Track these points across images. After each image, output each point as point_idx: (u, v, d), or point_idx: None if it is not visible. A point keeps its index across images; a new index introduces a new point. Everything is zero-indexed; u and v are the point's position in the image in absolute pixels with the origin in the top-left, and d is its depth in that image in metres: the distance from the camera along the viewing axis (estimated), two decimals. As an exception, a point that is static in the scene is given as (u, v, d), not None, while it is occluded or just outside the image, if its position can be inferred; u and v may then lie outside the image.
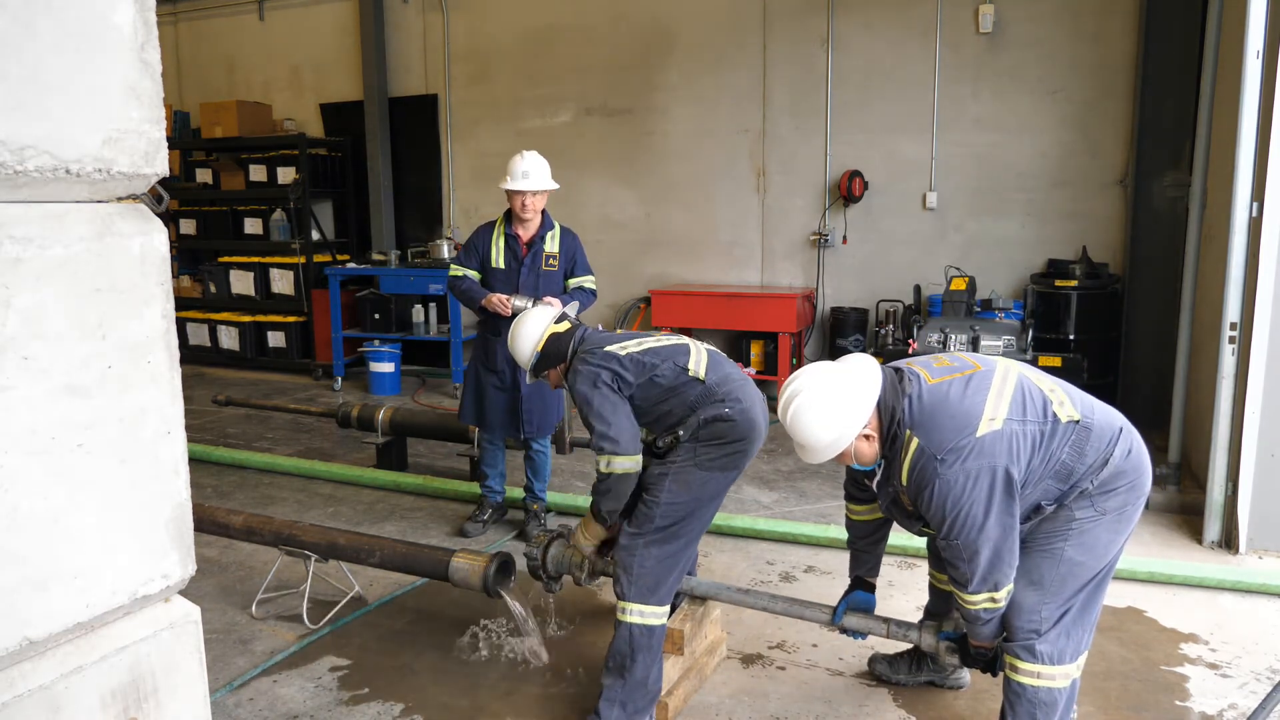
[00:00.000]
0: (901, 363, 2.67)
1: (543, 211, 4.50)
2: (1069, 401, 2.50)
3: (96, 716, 1.09)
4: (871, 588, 3.05)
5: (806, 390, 2.50)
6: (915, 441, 2.44)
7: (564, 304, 4.35)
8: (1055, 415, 2.45)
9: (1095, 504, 2.48)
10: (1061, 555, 2.49)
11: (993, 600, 2.50)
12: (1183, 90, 6.13)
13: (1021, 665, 2.54)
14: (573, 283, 4.56)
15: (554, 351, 3.33)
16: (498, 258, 4.47)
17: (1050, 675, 2.52)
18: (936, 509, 2.43)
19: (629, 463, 3.02)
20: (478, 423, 4.66)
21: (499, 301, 4.32)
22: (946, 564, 2.56)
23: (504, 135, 8.61)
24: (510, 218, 4.48)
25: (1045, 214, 6.88)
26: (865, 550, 3.04)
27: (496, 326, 4.43)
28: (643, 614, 2.97)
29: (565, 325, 3.37)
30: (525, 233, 4.47)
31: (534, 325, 3.37)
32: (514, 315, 4.26)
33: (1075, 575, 2.50)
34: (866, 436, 2.52)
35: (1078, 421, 2.46)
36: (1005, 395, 2.46)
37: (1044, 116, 6.78)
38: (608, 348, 3.16)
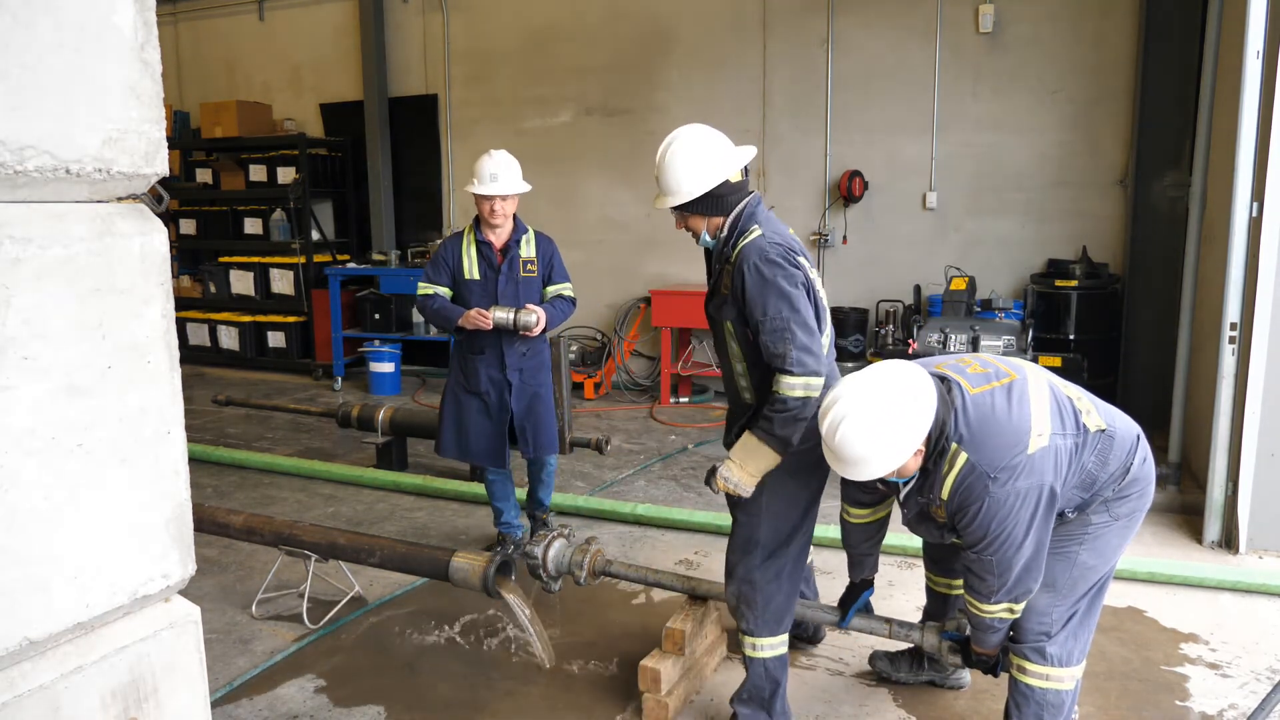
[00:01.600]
0: (931, 364, 2.52)
1: (514, 216, 4.19)
2: (1094, 410, 2.47)
3: (96, 716, 1.09)
4: (871, 584, 3.03)
5: (858, 412, 2.27)
6: (964, 457, 2.32)
7: (547, 314, 4.10)
8: (1085, 426, 2.42)
9: (1110, 509, 2.47)
10: (1075, 559, 2.48)
11: (1010, 610, 2.48)
12: (1183, 90, 6.13)
13: (1030, 667, 2.54)
14: (550, 290, 4.24)
15: (722, 197, 2.72)
16: (471, 268, 4.13)
17: (1059, 677, 2.52)
18: (979, 526, 2.35)
19: (821, 384, 2.61)
20: (460, 455, 4.31)
21: (478, 316, 3.98)
22: (968, 573, 2.50)
23: (504, 135, 8.60)
24: (480, 224, 4.17)
25: (1045, 214, 6.88)
26: (867, 553, 2.97)
27: (476, 344, 4.14)
28: (774, 646, 2.88)
29: (740, 176, 2.75)
30: (498, 239, 4.16)
31: (707, 148, 2.71)
32: (496, 329, 4.03)
33: (1085, 578, 2.50)
34: (915, 452, 2.40)
35: (1104, 431, 2.43)
36: (1045, 407, 2.38)
37: (1044, 116, 6.78)
38: (800, 258, 2.69)
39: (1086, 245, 6.59)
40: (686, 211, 2.77)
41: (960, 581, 2.97)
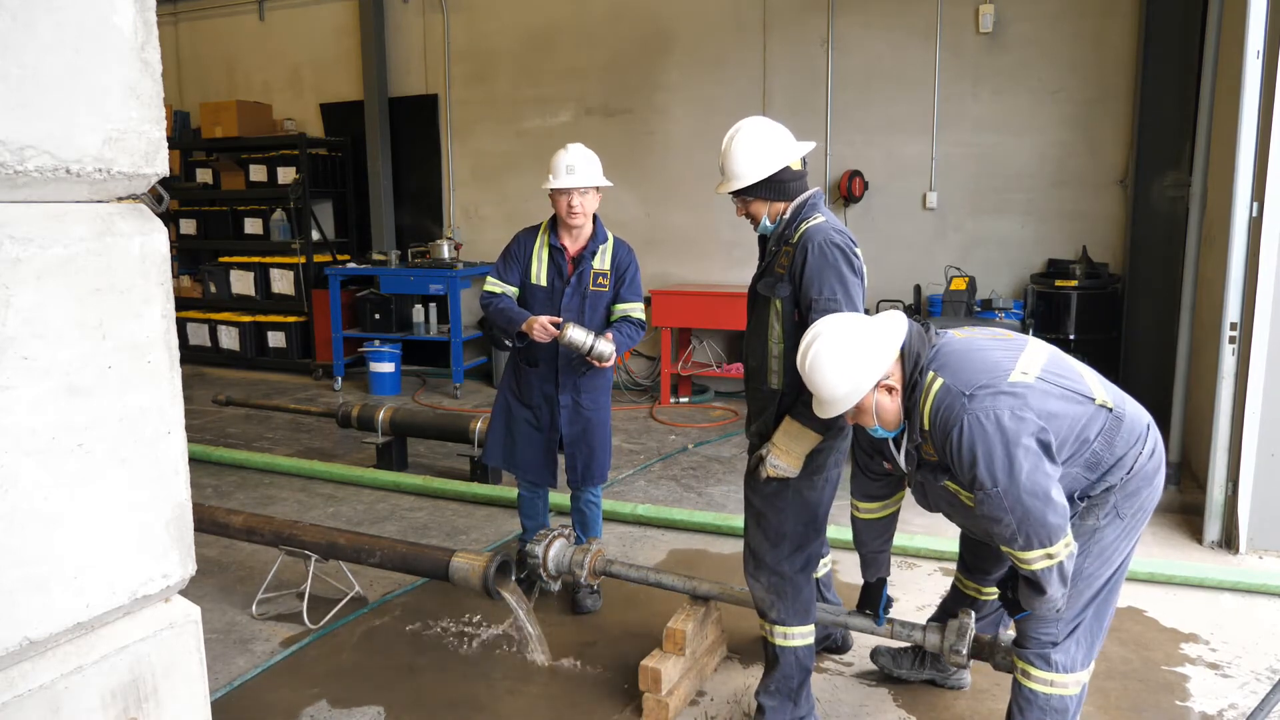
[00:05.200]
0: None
1: (595, 219, 3.83)
2: (1101, 387, 2.43)
3: (96, 716, 1.09)
4: (886, 581, 3.01)
5: (826, 335, 2.41)
6: (939, 381, 2.32)
7: (613, 340, 3.64)
8: (1090, 395, 2.37)
9: (1118, 509, 2.42)
10: (1079, 567, 2.43)
11: (1049, 556, 2.27)
12: (1183, 90, 6.13)
13: (1035, 673, 2.51)
14: (619, 310, 3.79)
15: (783, 183, 2.79)
16: (539, 273, 3.74)
17: (1064, 683, 2.49)
18: (966, 451, 2.24)
19: None
20: (507, 464, 3.94)
21: (542, 327, 3.53)
22: (988, 520, 2.30)
23: (504, 135, 8.61)
24: (556, 225, 3.79)
25: (1045, 214, 6.88)
26: (879, 550, 2.93)
27: (532, 355, 3.76)
28: (803, 635, 2.91)
29: (800, 165, 2.84)
30: (573, 244, 3.77)
31: (768, 137, 2.80)
32: (569, 346, 3.59)
33: (1090, 584, 2.45)
34: (889, 389, 2.38)
35: (1111, 410, 2.38)
36: (1039, 358, 2.37)
37: (1044, 116, 6.79)
38: (859, 251, 2.80)
39: (1086, 245, 6.59)
40: (749, 197, 2.84)
41: (990, 590, 3.04)
